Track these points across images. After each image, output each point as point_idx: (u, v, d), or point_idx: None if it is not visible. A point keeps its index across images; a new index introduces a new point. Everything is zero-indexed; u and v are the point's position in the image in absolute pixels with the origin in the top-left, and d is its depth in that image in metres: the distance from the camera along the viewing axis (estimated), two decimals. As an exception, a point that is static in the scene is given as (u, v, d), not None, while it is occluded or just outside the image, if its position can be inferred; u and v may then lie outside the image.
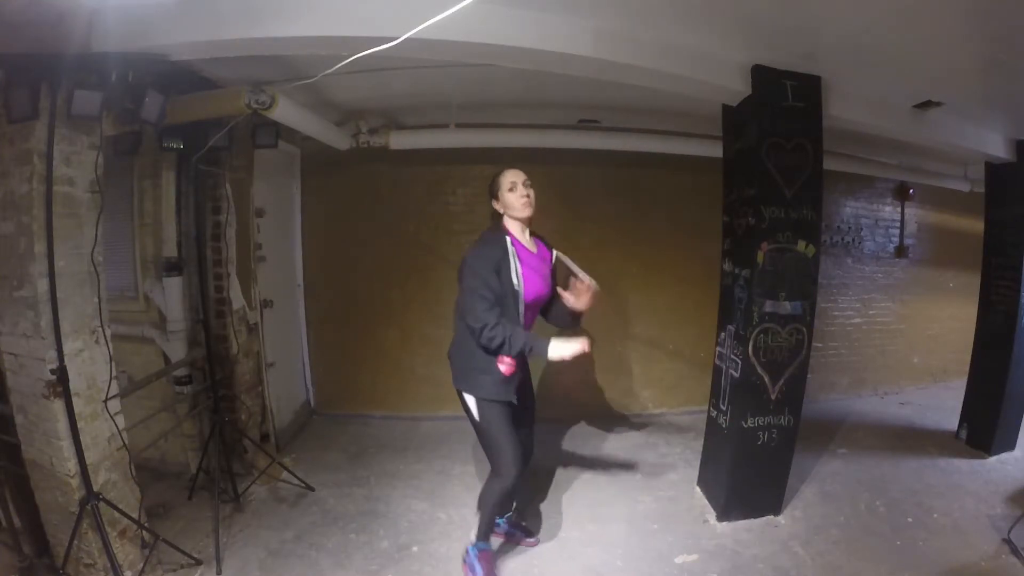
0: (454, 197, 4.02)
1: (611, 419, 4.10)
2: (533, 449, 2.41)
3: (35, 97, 1.83)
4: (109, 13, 1.84)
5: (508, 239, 2.13)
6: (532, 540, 2.55)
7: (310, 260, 4.09)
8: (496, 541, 2.45)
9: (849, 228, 4.76)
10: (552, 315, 2.32)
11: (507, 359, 2.05)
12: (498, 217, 2.21)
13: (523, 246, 2.18)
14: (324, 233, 4.06)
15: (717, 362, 2.85)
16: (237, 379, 3.09)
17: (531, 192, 2.15)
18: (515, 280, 2.07)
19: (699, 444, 3.08)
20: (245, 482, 2.92)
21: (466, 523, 2.69)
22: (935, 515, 2.75)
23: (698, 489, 3.01)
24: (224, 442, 2.78)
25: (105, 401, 2.10)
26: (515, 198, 2.13)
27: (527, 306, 2.12)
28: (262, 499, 2.89)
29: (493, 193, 2.19)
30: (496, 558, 2.36)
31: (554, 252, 2.31)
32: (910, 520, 2.71)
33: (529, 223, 2.23)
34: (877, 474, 3.22)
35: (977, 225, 3.72)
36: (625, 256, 4.13)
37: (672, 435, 3.82)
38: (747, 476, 2.67)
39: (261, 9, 1.89)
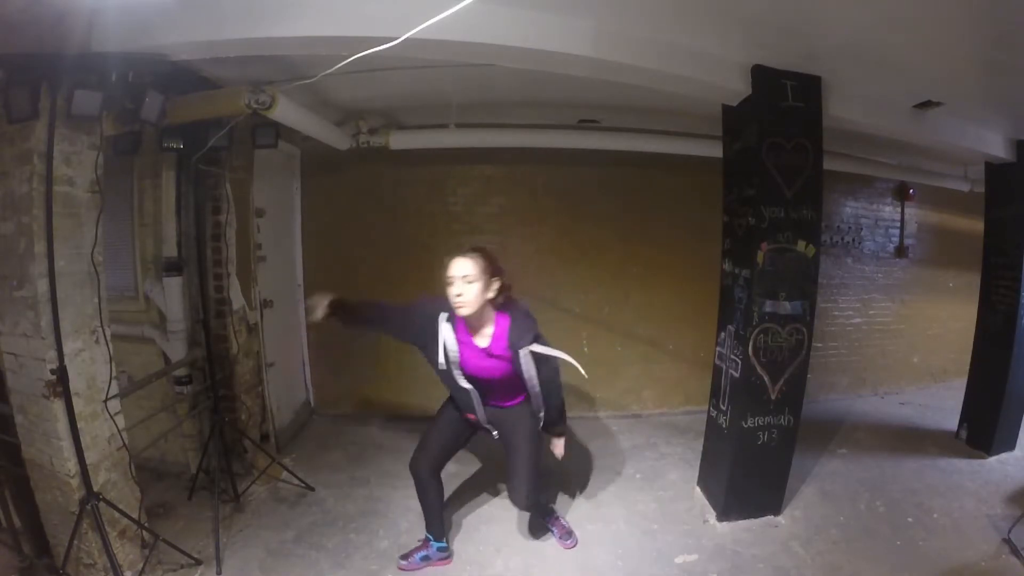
0: (454, 197, 4.00)
1: (611, 419, 4.10)
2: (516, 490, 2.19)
3: (35, 97, 1.83)
4: (109, 13, 1.84)
5: (446, 320, 1.99)
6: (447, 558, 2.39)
7: (310, 260, 4.08)
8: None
9: (849, 228, 4.76)
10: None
11: None
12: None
13: (468, 335, 2.04)
14: (324, 233, 4.06)
15: (717, 362, 2.85)
16: (237, 379, 3.09)
17: (469, 290, 1.87)
18: (441, 359, 1.99)
19: (699, 444, 3.08)
20: (245, 482, 2.92)
21: (466, 523, 2.70)
22: (935, 515, 2.75)
23: (698, 489, 3.01)
24: (224, 442, 2.78)
25: (105, 401, 2.11)
26: (449, 294, 1.91)
27: (472, 379, 2.08)
28: (262, 499, 2.89)
29: None
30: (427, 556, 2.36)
31: (525, 351, 1.97)
32: (910, 520, 2.71)
33: (498, 307, 2.01)
34: (877, 474, 3.22)
35: (977, 225, 3.72)
36: (625, 256, 4.13)
37: (672, 435, 3.82)
38: (747, 476, 2.67)
39: (261, 9, 1.89)
